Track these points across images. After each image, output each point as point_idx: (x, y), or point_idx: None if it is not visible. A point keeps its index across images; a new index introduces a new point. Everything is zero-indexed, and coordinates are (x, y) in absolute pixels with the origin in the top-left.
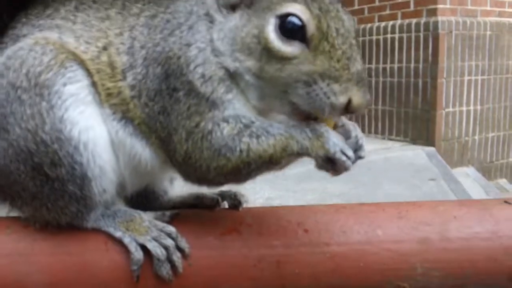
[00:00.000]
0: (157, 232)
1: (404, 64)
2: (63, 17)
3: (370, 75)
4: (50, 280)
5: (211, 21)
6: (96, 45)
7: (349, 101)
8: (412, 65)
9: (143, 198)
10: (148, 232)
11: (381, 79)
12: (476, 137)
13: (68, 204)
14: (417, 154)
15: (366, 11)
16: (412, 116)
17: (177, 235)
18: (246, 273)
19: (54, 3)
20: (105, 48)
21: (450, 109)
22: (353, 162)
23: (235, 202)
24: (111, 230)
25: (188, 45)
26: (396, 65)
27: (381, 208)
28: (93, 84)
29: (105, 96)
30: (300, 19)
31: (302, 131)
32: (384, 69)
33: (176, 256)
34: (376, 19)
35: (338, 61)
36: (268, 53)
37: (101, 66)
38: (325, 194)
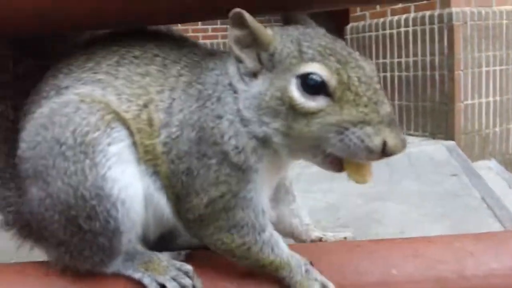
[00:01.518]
0: (175, 271)
1: (419, 58)
2: (105, 72)
3: (385, 70)
4: None
5: (235, 91)
6: (137, 103)
7: (385, 144)
8: (428, 58)
9: (161, 239)
10: (166, 272)
11: (396, 73)
12: (497, 129)
13: (94, 254)
14: (437, 148)
15: (378, 6)
16: (430, 110)
17: (193, 274)
18: None
19: (96, 56)
20: (145, 106)
21: (469, 101)
22: None
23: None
24: (130, 272)
25: (219, 117)
26: (411, 59)
27: (395, 244)
28: (134, 143)
29: (143, 154)
30: (319, 76)
31: (299, 267)
32: (399, 63)
33: None
34: (389, 13)
35: (366, 106)
36: (293, 111)
37: (142, 126)
38: (344, 194)
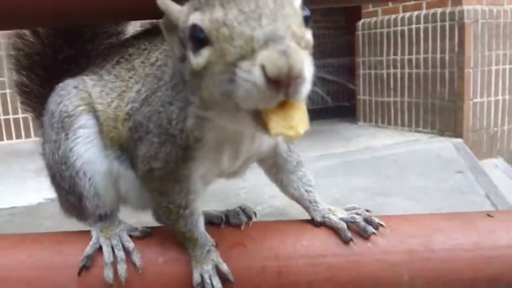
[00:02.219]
0: (117, 241)
1: (430, 55)
2: (106, 68)
3: (395, 67)
4: None
5: (184, 83)
6: (111, 96)
7: (263, 68)
8: (438, 55)
9: (161, 214)
10: (111, 238)
11: (406, 70)
12: (505, 128)
13: (71, 208)
14: (445, 146)
15: (390, 2)
16: (439, 108)
17: (133, 250)
18: (251, 282)
19: (108, 54)
20: (119, 95)
21: (478, 99)
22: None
23: (238, 221)
24: (92, 227)
25: (170, 104)
26: (421, 56)
27: None
28: (101, 132)
29: (109, 141)
30: (197, 25)
31: (203, 246)
32: (410, 60)
33: (121, 266)
34: (401, 10)
35: (239, 36)
36: (194, 77)
37: (108, 115)
38: (349, 189)
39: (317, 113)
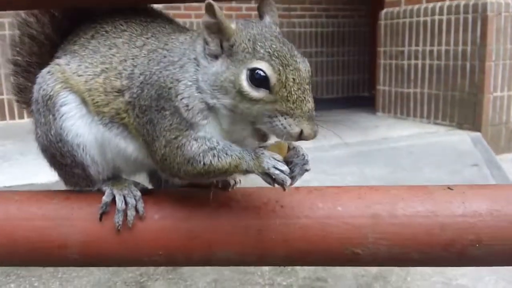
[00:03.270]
0: (127, 191)
1: (451, 47)
2: (80, 44)
3: (416, 58)
4: (85, 239)
5: (198, 64)
6: (93, 70)
7: (301, 132)
8: (460, 47)
9: (159, 179)
10: (122, 189)
11: (427, 61)
12: None
13: (79, 180)
14: (462, 139)
15: None
16: (459, 100)
17: (139, 198)
18: (234, 238)
19: (80, 30)
20: (103, 71)
21: (498, 93)
22: (300, 173)
23: (226, 183)
24: (102, 187)
25: (178, 80)
26: (443, 48)
27: (345, 190)
28: (83, 101)
29: (94, 108)
30: (265, 73)
31: (250, 154)
32: (431, 51)
33: (130, 212)
34: (424, 0)
35: (293, 103)
36: (240, 95)
37: (94, 86)
38: (363, 177)
39: (336, 102)
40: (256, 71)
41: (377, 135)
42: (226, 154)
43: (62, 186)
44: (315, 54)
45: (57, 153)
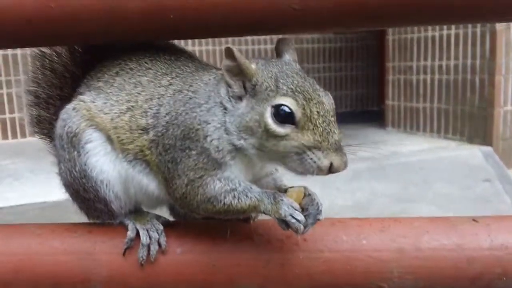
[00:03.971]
0: (150, 225)
1: (460, 61)
2: (105, 81)
3: (425, 72)
4: (108, 273)
5: (225, 108)
6: (119, 108)
7: (331, 164)
8: (469, 61)
9: (180, 211)
10: (145, 224)
11: (436, 76)
12: None
13: (101, 214)
14: (473, 153)
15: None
16: (469, 115)
17: (162, 232)
18: (257, 272)
19: (104, 67)
20: (129, 109)
21: (509, 107)
22: (312, 223)
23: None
24: (125, 220)
25: (207, 122)
26: (452, 62)
27: (368, 223)
28: (108, 138)
29: (119, 145)
30: (289, 108)
31: (269, 197)
32: (440, 66)
33: (153, 247)
34: None
35: (320, 135)
36: (266, 133)
37: (119, 124)
38: (374, 194)
39: (345, 117)
40: (281, 107)
41: (387, 150)
42: (246, 196)
43: (74, 204)
44: (323, 69)
45: (81, 188)
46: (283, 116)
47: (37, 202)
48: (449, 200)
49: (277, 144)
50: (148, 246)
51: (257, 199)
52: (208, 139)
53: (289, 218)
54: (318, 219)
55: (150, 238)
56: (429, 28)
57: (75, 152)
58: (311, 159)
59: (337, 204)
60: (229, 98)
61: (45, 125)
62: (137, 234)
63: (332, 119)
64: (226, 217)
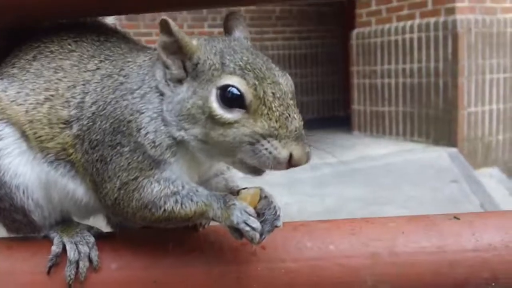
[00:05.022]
0: (80, 238)
1: (423, 64)
2: (20, 67)
3: (390, 76)
4: None
5: (161, 94)
6: (36, 98)
7: (291, 156)
8: (432, 64)
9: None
10: (73, 236)
11: (401, 79)
12: (500, 137)
13: (21, 226)
14: (439, 155)
15: (384, 12)
16: (434, 117)
17: (93, 245)
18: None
19: (20, 51)
20: (47, 99)
21: (472, 108)
22: (269, 231)
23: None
24: (50, 233)
25: (140, 112)
26: (415, 65)
27: (336, 225)
28: (23, 135)
29: (37, 143)
30: (238, 89)
31: (219, 201)
32: (404, 69)
33: (83, 263)
34: (394, 19)
35: (276, 121)
36: (212, 120)
37: (36, 117)
38: (343, 198)
39: (312, 123)
40: (228, 89)
41: (355, 155)
42: (191, 200)
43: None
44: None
45: None
46: (230, 99)
47: None
48: (418, 202)
49: (224, 134)
50: (77, 263)
51: (204, 203)
52: (142, 132)
53: (242, 226)
54: (276, 226)
55: (79, 253)
56: (392, 32)
57: None
58: (266, 149)
59: (306, 209)
60: (166, 82)
61: None
62: (64, 248)
63: (291, 102)
64: (169, 226)
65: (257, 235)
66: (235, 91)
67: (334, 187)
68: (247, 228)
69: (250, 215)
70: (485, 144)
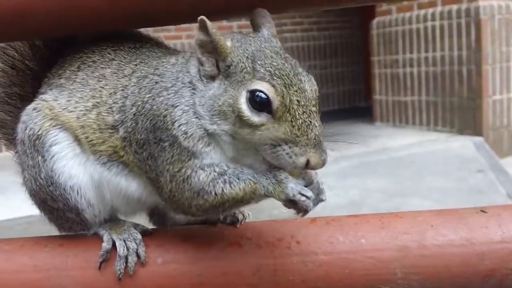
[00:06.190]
0: (127, 235)
1: (446, 52)
2: (67, 77)
3: (412, 65)
4: None
5: (194, 88)
6: (84, 105)
7: (308, 161)
8: (455, 52)
9: (161, 217)
10: (121, 233)
11: (423, 68)
12: None
13: (73, 224)
14: (464, 145)
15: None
16: (458, 106)
17: (141, 242)
18: (246, 281)
19: (65, 62)
20: (95, 106)
21: (497, 96)
22: (315, 203)
23: (234, 219)
24: (99, 231)
25: (174, 106)
26: (438, 53)
27: (366, 219)
28: (76, 139)
29: (89, 146)
30: (266, 95)
31: (267, 178)
32: (426, 58)
33: (132, 258)
34: (415, 7)
35: (299, 129)
36: (240, 120)
37: (87, 123)
38: (366, 190)
39: (334, 114)
40: (257, 93)
41: (377, 146)
42: (238, 178)
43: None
44: (308, 67)
45: (48, 197)
46: (259, 103)
47: (24, 216)
48: (443, 193)
49: (251, 133)
50: (126, 258)
51: (252, 181)
52: (176, 124)
53: (298, 197)
54: (321, 200)
55: (127, 248)
56: (413, 20)
57: (39, 157)
58: (286, 153)
59: (330, 202)
60: (200, 77)
61: (7, 130)
62: (113, 245)
63: (314, 109)
64: (225, 212)
65: (311, 204)
66: (263, 96)
67: (357, 179)
68: (303, 198)
69: (303, 186)
70: (511, 132)
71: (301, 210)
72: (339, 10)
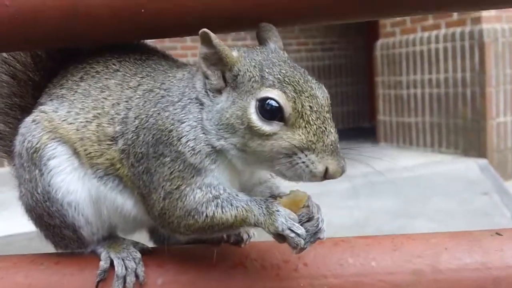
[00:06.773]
0: (126, 254)
1: (450, 74)
2: (68, 87)
3: (416, 87)
4: None
5: (201, 104)
6: (85, 116)
7: (326, 169)
8: (459, 74)
9: (162, 235)
10: (120, 252)
11: (427, 90)
12: None
13: (70, 242)
14: (469, 166)
15: (408, 22)
16: (462, 127)
17: (140, 261)
18: None
19: (67, 72)
20: (95, 117)
21: (502, 118)
22: (310, 241)
23: (238, 238)
24: (97, 248)
25: (181, 121)
26: (442, 75)
27: (377, 241)
28: (74, 152)
29: (87, 159)
30: (277, 102)
31: (260, 207)
32: (430, 80)
33: (130, 278)
34: (419, 29)
35: (314, 135)
36: (250, 131)
37: (86, 135)
38: (371, 210)
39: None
40: (267, 101)
41: (381, 166)
42: (231, 204)
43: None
44: None
45: (44, 213)
46: (269, 112)
47: (24, 232)
48: (448, 215)
49: (262, 144)
50: (124, 278)
51: (244, 208)
52: (183, 140)
53: (287, 232)
54: (319, 238)
55: (126, 268)
56: (417, 42)
57: (37, 171)
58: (303, 162)
59: (334, 222)
60: (206, 92)
61: (6, 142)
62: (111, 264)
63: (328, 115)
64: (212, 235)
65: (302, 242)
66: (274, 104)
67: (361, 199)
68: (292, 235)
69: (294, 222)
70: None
71: (291, 246)
72: (343, 30)
